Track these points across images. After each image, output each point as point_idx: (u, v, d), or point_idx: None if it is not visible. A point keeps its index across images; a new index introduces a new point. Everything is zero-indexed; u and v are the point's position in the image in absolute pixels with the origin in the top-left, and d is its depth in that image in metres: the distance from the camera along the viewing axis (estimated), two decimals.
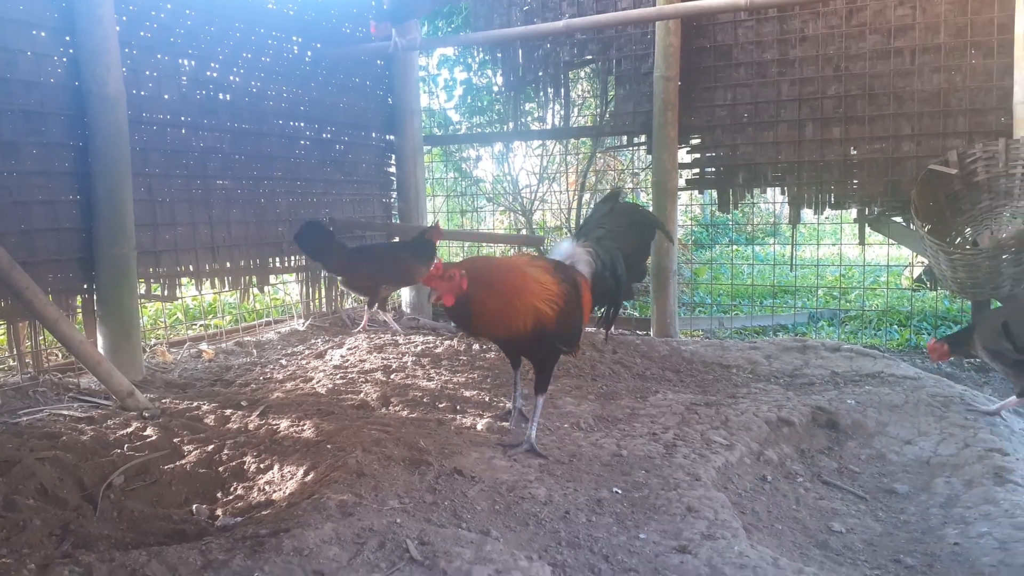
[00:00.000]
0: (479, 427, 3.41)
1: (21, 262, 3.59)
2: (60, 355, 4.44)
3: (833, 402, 3.65)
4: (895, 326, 6.53)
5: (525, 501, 2.57)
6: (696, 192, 6.44)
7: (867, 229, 5.60)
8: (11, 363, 4.16)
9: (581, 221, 7.44)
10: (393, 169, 6.74)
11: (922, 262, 6.34)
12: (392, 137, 6.67)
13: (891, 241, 5.66)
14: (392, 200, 6.80)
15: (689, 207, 8.41)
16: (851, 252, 8.89)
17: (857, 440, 3.40)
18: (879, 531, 2.60)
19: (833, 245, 8.56)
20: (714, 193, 6.04)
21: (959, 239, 4.76)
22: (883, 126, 5.38)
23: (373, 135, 6.55)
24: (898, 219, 5.42)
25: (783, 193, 5.84)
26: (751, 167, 5.80)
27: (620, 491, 2.67)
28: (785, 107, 5.65)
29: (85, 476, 2.84)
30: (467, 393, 4.00)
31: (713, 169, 5.94)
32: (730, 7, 4.88)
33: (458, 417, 3.52)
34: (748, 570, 2.06)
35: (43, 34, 3.99)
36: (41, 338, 4.20)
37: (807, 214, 6.31)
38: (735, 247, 10.29)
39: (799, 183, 5.66)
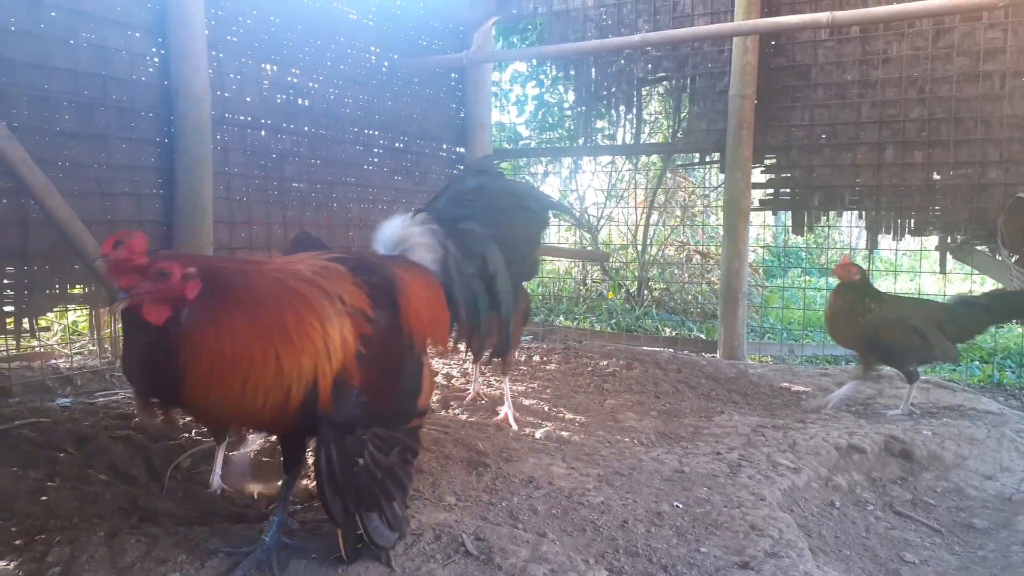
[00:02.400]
0: (537, 435, 3.38)
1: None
2: None
3: (908, 432, 3.49)
4: (976, 362, 6.23)
5: (583, 508, 2.52)
6: (769, 214, 6.30)
7: (949, 259, 5.38)
8: (91, 347, 4.32)
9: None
10: None
11: None
12: (462, 149, 6.73)
13: (974, 273, 5.43)
14: None
15: (760, 235, 8.24)
16: (930, 286, 8.54)
17: (933, 472, 3.24)
18: (955, 564, 2.46)
19: (911, 280, 8.24)
20: (787, 217, 5.90)
21: None
22: (969, 151, 5.17)
23: (444, 146, 6.63)
24: (983, 248, 5.19)
25: (860, 217, 5.67)
26: (827, 189, 5.64)
27: (681, 505, 2.60)
28: (865, 129, 5.49)
29: (154, 456, 2.92)
30: (527, 402, 3.98)
31: (788, 190, 5.81)
32: (810, 23, 4.79)
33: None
34: None
35: (137, 34, 4.17)
36: (119, 324, 4.35)
37: (884, 244, 6.10)
38: (808, 278, 9.99)
39: (877, 207, 5.49)
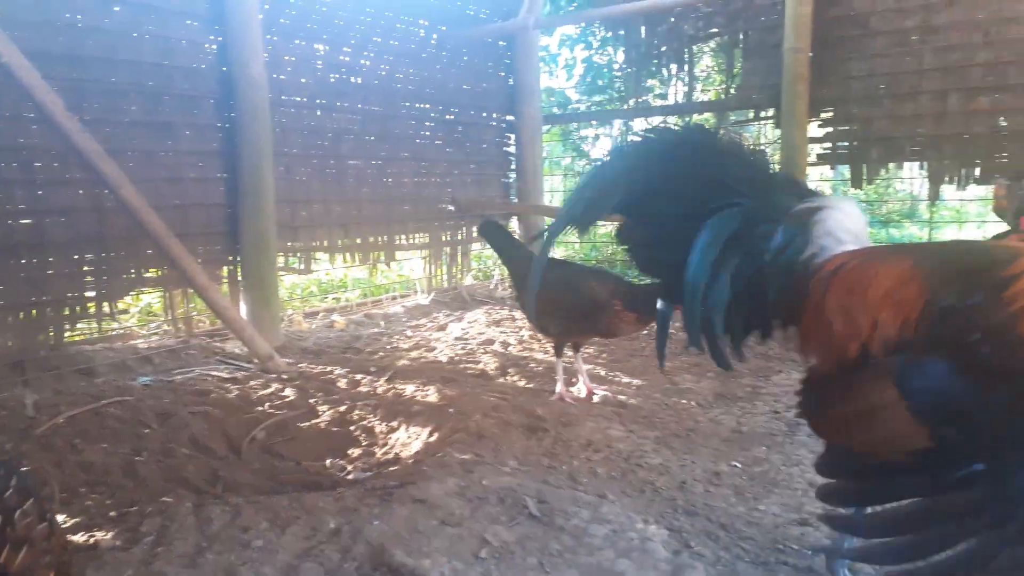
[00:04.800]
0: (595, 399, 3.45)
1: (175, 234, 3.91)
2: (208, 321, 4.82)
3: None
4: None
5: (642, 469, 2.59)
6: (828, 168, 6.17)
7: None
8: (166, 327, 4.54)
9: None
10: (512, 149, 6.83)
11: None
12: (512, 117, 6.75)
13: None
14: (511, 180, 6.90)
15: (819, 189, 8.04)
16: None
17: None
18: None
19: (979, 227, 7.95)
20: (846, 171, 5.77)
21: None
22: None
23: (494, 115, 6.66)
24: None
25: (922, 168, 5.50)
26: (887, 141, 5.48)
27: (739, 465, 2.64)
28: (927, 77, 5.30)
29: (231, 430, 3.10)
30: (584, 367, 4.04)
31: (846, 143, 5.67)
32: None
33: (574, 389, 3.56)
34: None
35: (195, 24, 4.31)
36: (192, 305, 4.56)
37: (948, 193, 5.90)
38: (871, 230, 9.71)
39: (940, 157, 5.31)
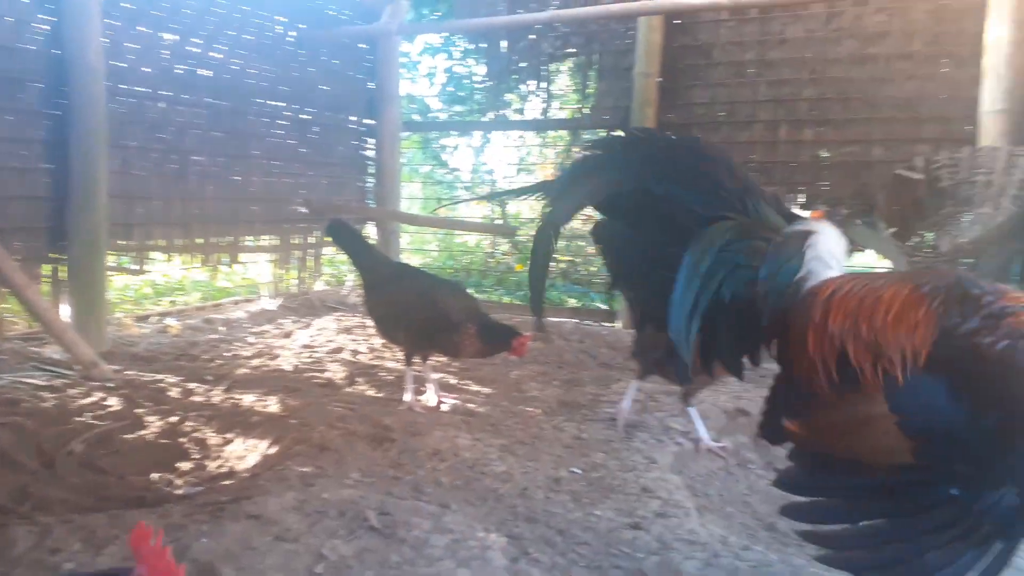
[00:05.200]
0: (444, 407, 3.45)
1: None
2: (24, 324, 4.41)
3: None
4: None
5: (486, 477, 2.62)
6: None
7: None
8: None
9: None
10: (371, 153, 6.73)
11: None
12: (371, 121, 6.65)
13: (856, 247, 5.76)
14: (369, 185, 6.79)
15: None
16: None
17: None
18: None
19: None
20: None
21: (921, 243, 4.86)
22: (855, 130, 5.47)
23: (352, 118, 6.54)
24: (865, 222, 5.52)
25: None
26: None
27: (579, 471, 2.72)
28: (762, 108, 5.72)
29: (45, 443, 2.84)
30: (433, 376, 4.03)
31: None
32: (712, 6, 4.94)
33: (423, 398, 3.54)
34: (697, 546, 2.12)
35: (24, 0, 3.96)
36: (5, 306, 4.16)
37: None
38: None
39: (771, 183, 5.74)
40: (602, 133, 6.52)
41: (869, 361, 1.55)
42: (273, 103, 5.71)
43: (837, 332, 1.61)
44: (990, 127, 4.45)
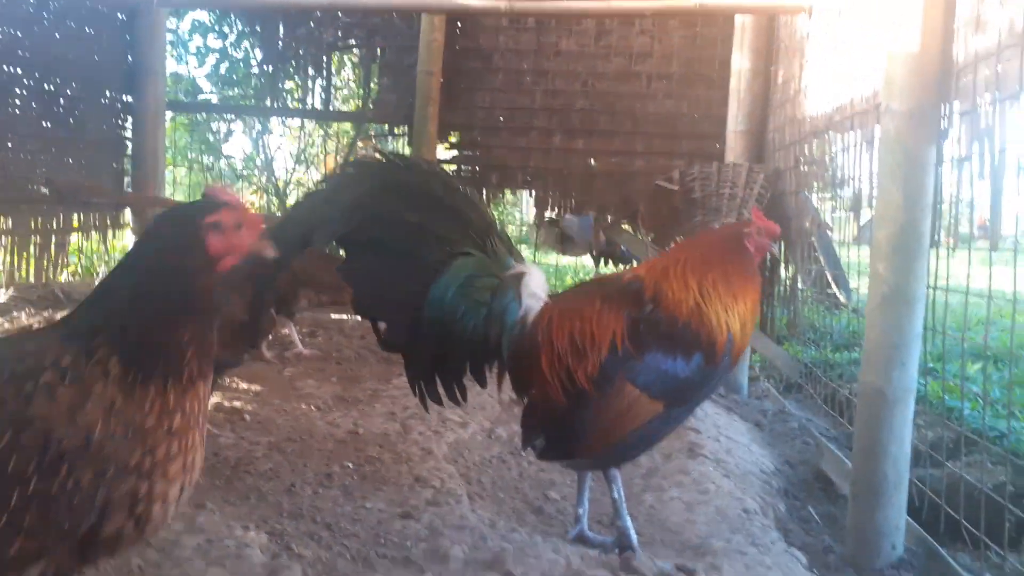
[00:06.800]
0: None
1: None
2: None
3: None
4: None
5: (249, 476, 2.47)
6: None
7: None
8: None
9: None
10: (129, 133, 6.13)
11: None
12: (129, 98, 6.06)
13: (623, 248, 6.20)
14: (126, 167, 6.18)
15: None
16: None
17: None
18: (590, 498, 2.82)
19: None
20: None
21: None
22: (620, 142, 5.89)
23: (107, 93, 5.92)
24: (628, 227, 5.96)
25: (530, 195, 6.18)
26: (504, 169, 6.06)
27: (352, 465, 2.65)
28: (538, 115, 5.97)
29: None
30: None
31: (470, 168, 6.12)
32: (491, 10, 5.05)
33: None
34: (466, 531, 2.14)
35: None
36: None
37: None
38: None
39: (546, 187, 6.02)
40: (385, 127, 6.47)
41: (594, 362, 2.01)
42: (9, 69, 5.01)
43: (567, 350, 2.03)
44: (734, 145, 4.97)
